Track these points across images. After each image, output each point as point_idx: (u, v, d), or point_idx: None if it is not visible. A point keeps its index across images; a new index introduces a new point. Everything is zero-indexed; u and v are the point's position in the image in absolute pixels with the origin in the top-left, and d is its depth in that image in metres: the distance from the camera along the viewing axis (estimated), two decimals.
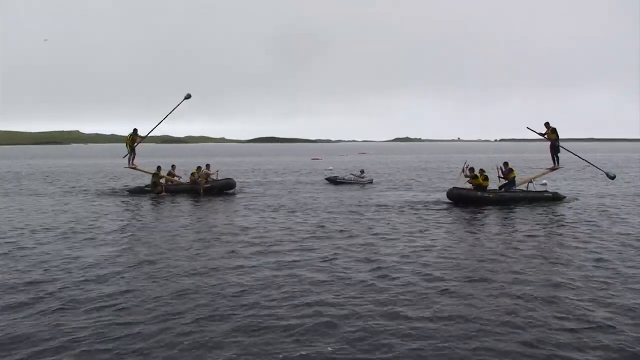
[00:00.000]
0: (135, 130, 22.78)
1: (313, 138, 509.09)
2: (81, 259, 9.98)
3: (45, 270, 9.16)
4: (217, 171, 23.70)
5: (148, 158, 58.50)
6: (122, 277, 8.72)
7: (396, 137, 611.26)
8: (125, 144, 23.27)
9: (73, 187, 26.27)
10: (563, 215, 15.98)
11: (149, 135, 23.34)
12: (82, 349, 5.91)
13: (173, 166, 23.71)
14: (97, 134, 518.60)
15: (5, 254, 10.52)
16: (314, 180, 29.89)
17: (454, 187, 19.01)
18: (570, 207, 17.60)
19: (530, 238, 12.21)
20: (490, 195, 18.31)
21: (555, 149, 19.89)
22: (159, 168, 22.38)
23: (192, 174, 22.27)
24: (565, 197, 19.64)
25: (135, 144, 22.91)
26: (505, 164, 19.98)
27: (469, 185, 18.75)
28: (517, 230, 13.31)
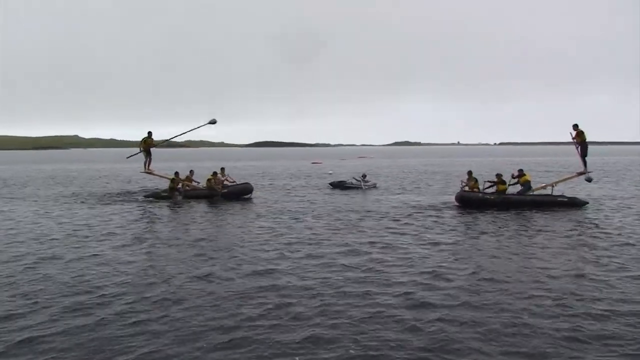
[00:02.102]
0: (149, 133, 22.48)
1: (312, 142, 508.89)
2: (106, 266, 10.15)
3: (74, 277, 9.34)
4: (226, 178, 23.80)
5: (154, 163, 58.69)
6: (148, 283, 8.92)
7: (396, 140, 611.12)
8: (139, 148, 22.93)
9: (86, 192, 26.45)
10: (570, 220, 15.73)
11: (163, 142, 23.55)
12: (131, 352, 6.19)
13: (191, 171, 23.81)
14: (96, 139, 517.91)
15: (6, 260, 10.79)
16: (318, 185, 29.98)
17: (461, 190, 19.31)
18: (584, 213, 17.13)
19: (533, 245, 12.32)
20: (493, 197, 18.44)
21: (583, 152, 19.19)
22: (176, 174, 22.54)
23: (209, 179, 22.44)
24: (587, 203, 18.67)
25: (151, 147, 22.72)
26: (520, 171, 19.84)
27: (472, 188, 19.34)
28: (524, 237, 13.38)
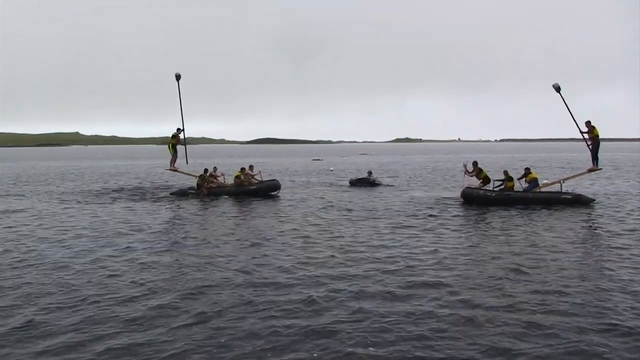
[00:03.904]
0: (178, 129, 22.26)
1: (314, 139, 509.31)
2: (140, 263, 10.00)
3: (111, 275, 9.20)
4: (260, 172, 23.97)
5: (161, 160, 59.02)
6: (175, 281, 8.76)
7: (397, 137, 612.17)
8: (168, 146, 22.95)
9: (111, 190, 26.26)
10: (573, 217, 15.29)
11: (184, 134, 22.87)
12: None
13: (215, 168, 23.86)
14: (97, 136, 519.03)
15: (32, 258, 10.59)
16: (335, 182, 30.03)
17: (466, 187, 19.42)
18: (590, 210, 16.50)
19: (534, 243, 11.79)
20: (496, 195, 18.44)
21: (594, 149, 18.96)
22: (205, 170, 22.56)
23: (237, 176, 22.46)
24: (593, 200, 18.19)
25: (178, 145, 22.64)
26: (526, 169, 19.66)
27: (477, 182, 19.36)
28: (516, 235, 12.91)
